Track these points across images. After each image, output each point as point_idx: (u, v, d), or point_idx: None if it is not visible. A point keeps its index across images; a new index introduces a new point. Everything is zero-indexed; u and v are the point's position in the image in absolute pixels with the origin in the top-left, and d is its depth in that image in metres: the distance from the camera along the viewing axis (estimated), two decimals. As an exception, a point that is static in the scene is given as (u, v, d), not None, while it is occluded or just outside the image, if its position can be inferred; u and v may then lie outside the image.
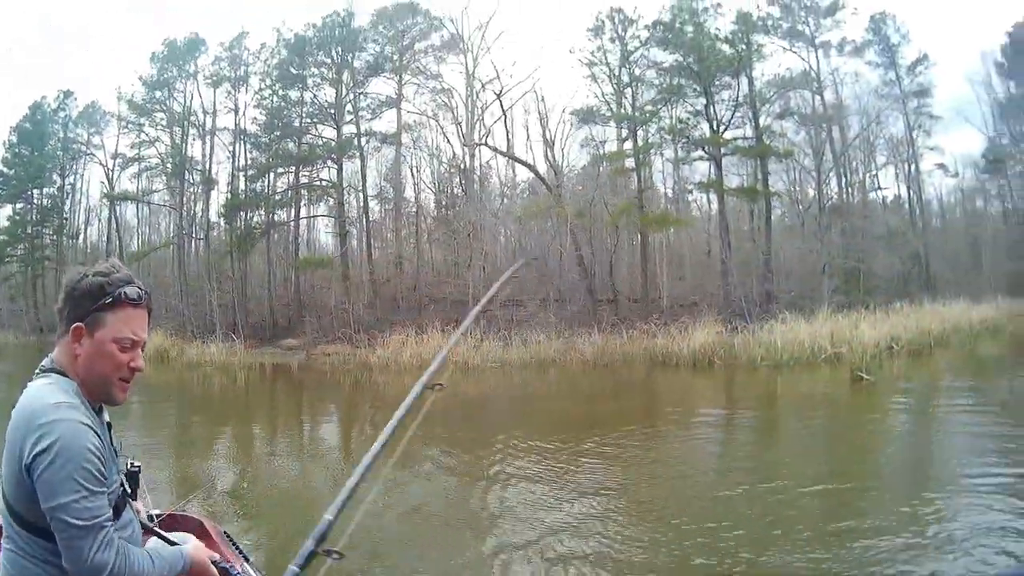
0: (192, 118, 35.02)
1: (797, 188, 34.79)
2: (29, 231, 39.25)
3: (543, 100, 32.91)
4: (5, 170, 39.15)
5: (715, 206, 32.63)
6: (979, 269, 34.35)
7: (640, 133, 31.90)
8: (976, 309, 26.40)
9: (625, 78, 31.83)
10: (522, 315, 26.34)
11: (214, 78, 34.70)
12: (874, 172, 36.98)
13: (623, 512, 7.31)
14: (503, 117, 32.60)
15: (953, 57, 69.89)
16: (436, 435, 10.62)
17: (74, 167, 39.37)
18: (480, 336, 23.31)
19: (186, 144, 35.14)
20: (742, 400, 16.26)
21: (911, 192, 38.15)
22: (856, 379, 16.15)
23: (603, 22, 32.00)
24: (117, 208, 38.91)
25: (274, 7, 70.68)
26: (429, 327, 24.79)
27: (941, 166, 39.29)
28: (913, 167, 37.45)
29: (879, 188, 37.60)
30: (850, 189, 35.53)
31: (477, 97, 32.69)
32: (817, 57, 34.13)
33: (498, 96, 32.04)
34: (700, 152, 31.97)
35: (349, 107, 33.67)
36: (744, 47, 31.13)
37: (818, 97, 33.97)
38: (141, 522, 2.31)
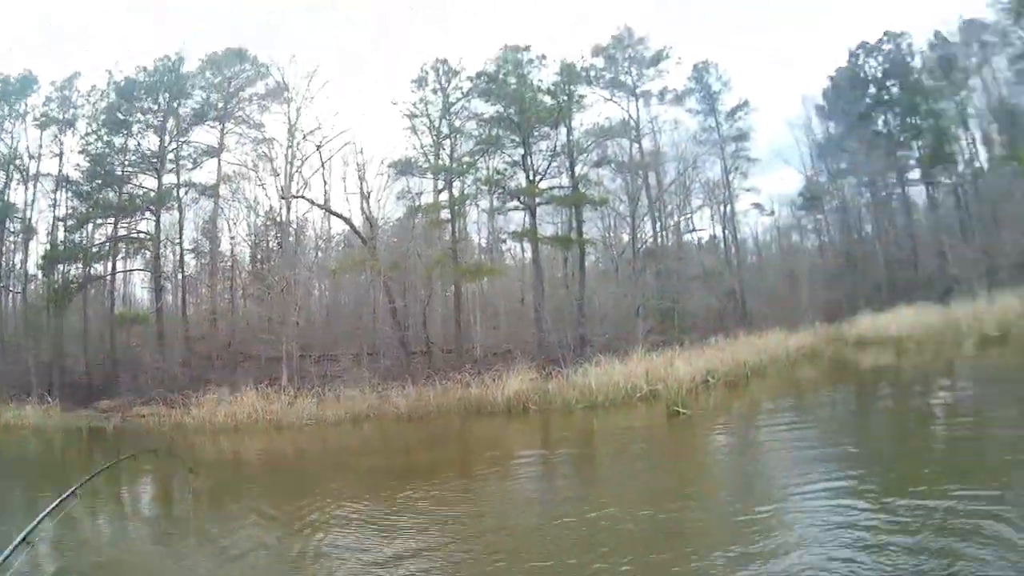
0: (17, 161, 32.81)
1: (612, 234, 35.96)
2: None
3: (362, 152, 32.14)
4: None
5: (529, 255, 33.16)
6: (796, 299, 35.75)
7: (456, 184, 32.07)
8: (793, 337, 27.46)
9: (445, 129, 31.93)
10: (336, 370, 25.69)
11: (43, 119, 32.74)
12: (689, 215, 38.57)
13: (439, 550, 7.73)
14: (321, 169, 32.20)
15: (773, 103, 75.63)
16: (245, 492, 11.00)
17: None
18: (294, 393, 22.88)
19: (8, 189, 32.93)
20: (558, 441, 16.46)
21: (726, 232, 40.11)
22: (672, 414, 16.40)
23: (427, 73, 32.24)
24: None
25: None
26: (243, 385, 23.80)
27: (757, 205, 41.94)
28: (729, 208, 39.52)
29: (694, 230, 39.35)
30: (665, 232, 36.69)
31: (297, 148, 32.19)
32: (637, 106, 35.74)
33: (318, 147, 31.56)
34: (515, 202, 32.32)
35: (171, 156, 32.42)
36: (565, 98, 31.82)
37: (636, 145, 35.28)
38: None
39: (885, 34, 42.48)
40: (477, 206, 34.36)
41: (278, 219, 33.58)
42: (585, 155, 32.64)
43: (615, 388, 19.94)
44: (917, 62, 41.95)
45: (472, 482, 11.52)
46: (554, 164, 31.80)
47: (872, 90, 42.64)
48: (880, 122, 42.27)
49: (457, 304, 30.44)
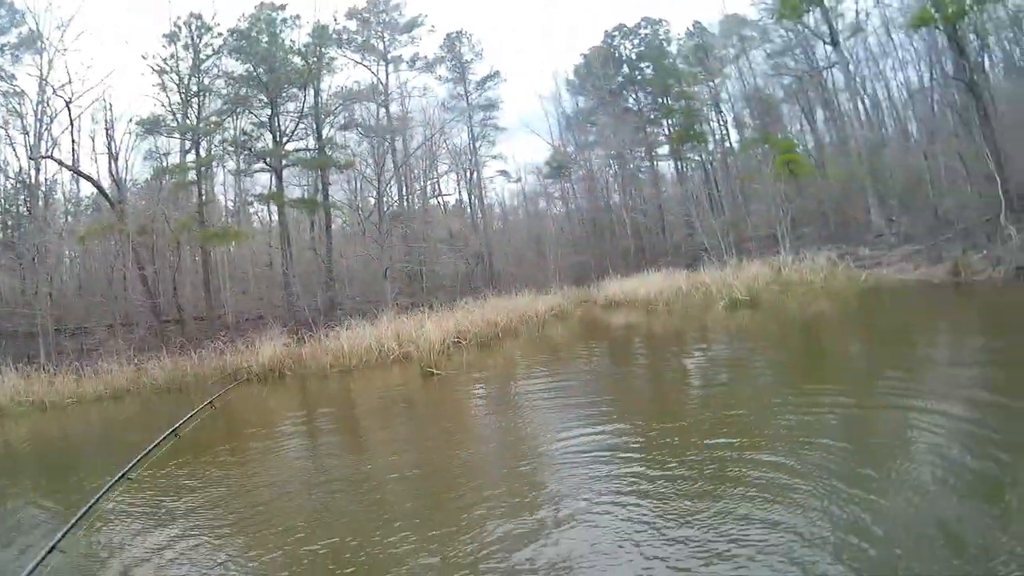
0: None
1: (358, 197, 37.68)
2: None
3: (111, 108, 32.00)
4: None
5: (276, 218, 34.31)
6: (544, 263, 39.19)
7: (204, 144, 32.30)
8: (543, 299, 30.34)
9: (194, 87, 32.10)
10: (91, 343, 25.57)
11: None
12: (435, 179, 42.32)
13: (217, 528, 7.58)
14: (71, 127, 31.17)
15: (526, 76, 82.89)
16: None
17: None
18: (52, 371, 22.43)
19: None
20: (319, 406, 16.76)
21: (473, 197, 44.40)
22: (427, 374, 17.31)
23: (180, 28, 32.19)
24: None
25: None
26: (1, 365, 22.59)
27: (503, 172, 47.13)
28: (475, 174, 43.72)
29: (440, 194, 43.29)
30: (411, 196, 39.51)
31: (48, 104, 31.08)
32: (387, 71, 38.52)
33: (68, 103, 30.63)
34: (262, 164, 33.37)
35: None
36: (316, 59, 33.22)
37: (384, 109, 37.90)
38: None
39: (643, 19, 48.02)
40: (224, 168, 35.15)
41: (28, 181, 32.55)
42: (332, 118, 34.35)
43: (368, 351, 20.92)
44: (673, 48, 47.82)
45: (239, 451, 11.55)
46: (301, 126, 33.26)
47: (625, 70, 47.86)
48: (631, 100, 47.76)
49: (206, 270, 30.71)
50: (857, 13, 37.42)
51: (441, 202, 45.10)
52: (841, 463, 7.14)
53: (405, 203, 38.53)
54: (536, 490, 7.58)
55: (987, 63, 33.34)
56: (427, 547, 6.31)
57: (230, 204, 37.27)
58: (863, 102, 40.81)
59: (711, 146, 47.17)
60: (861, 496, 6.13)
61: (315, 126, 33.16)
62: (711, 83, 45.58)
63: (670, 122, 47.96)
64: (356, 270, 32.97)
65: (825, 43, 37.40)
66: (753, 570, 5.17)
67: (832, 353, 15.25)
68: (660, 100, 47.90)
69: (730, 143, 46.81)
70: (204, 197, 31.91)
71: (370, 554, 6.32)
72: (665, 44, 48.64)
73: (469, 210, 45.08)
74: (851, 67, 38.75)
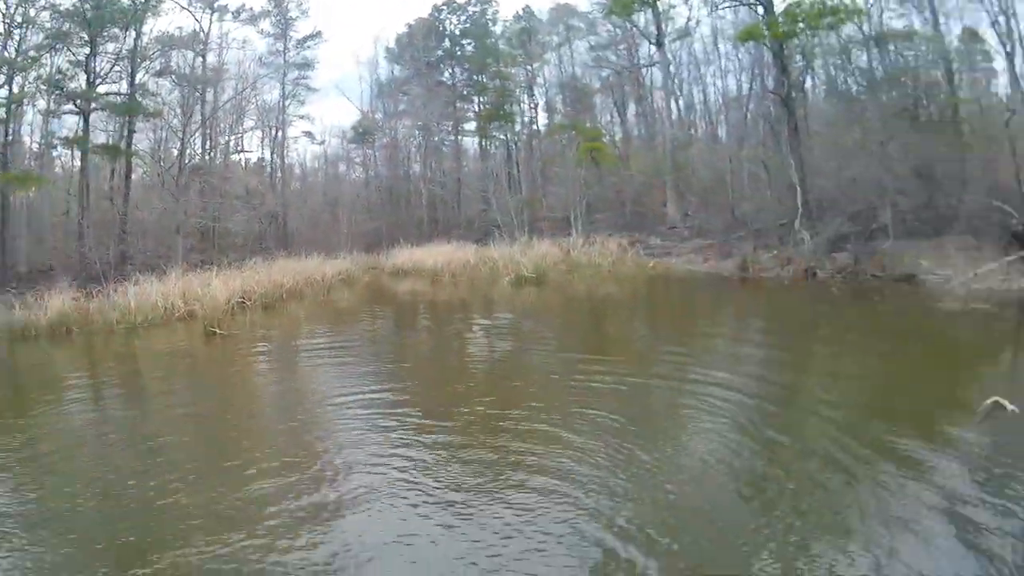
0: None
1: (162, 148, 38.91)
2: None
3: None
4: None
5: (78, 163, 34.62)
6: (338, 227, 42.32)
7: (18, 80, 32.15)
8: (332, 263, 32.82)
9: (19, 18, 31.55)
10: None
11: None
12: (240, 135, 44.32)
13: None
14: None
15: (349, 38, 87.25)
16: None
17: None
18: None
19: None
20: (101, 366, 16.60)
21: (275, 156, 46.70)
22: (210, 334, 17.91)
23: None
24: None
25: None
26: None
27: (309, 134, 50.01)
28: (280, 133, 46.09)
29: (243, 151, 45.22)
30: (215, 151, 41.30)
31: None
32: (211, 20, 39.93)
33: None
34: (71, 105, 33.59)
35: None
36: (143, 1, 34.07)
37: (201, 58, 39.28)
38: None
39: (474, -1, 50.72)
40: (34, 107, 34.89)
41: None
42: (148, 63, 35.26)
43: (154, 308, 21.10)
44: (499, 29, 51.74)
45: (24, 416, 11.09)
46: (116, 68, 33.81)
47: (447, 44, 51.44)
48: (447, 74, 51.51)
49: (3, 216, 30.82)
50: (688, 20, 41.06)
51: (243, 158, 46.73)
52: (599, 426, 8.43)
53: (208, 157, 39.97)
54: (310, 445, 8.32)
55: (809, 83, 36.86)
56: (200, 500, 6.73)
57: (35, 146, 37.32)
58: (677, 102, 45.29)
59: (518, 127, 51.06)
60: (626, 461, 7.23)
61: (130, 70, 33.82)
62: (529, 67, 49.65)
63: (481, 100, 51.95)
64: (151, 223, 33.76)
65: (651, 43, 41.12)
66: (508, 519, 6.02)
67: (605, 329, 17.55)
68: (475, 77, 51.46)
69: (537, 126, 51.05)
70: (11, 137, 32.06)
71: (142, 506, 6.71)
72: (491, 24, 52.23)
73: (269, 169, 46.91)
74: (672, 68, 43.09)
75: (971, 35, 33.16)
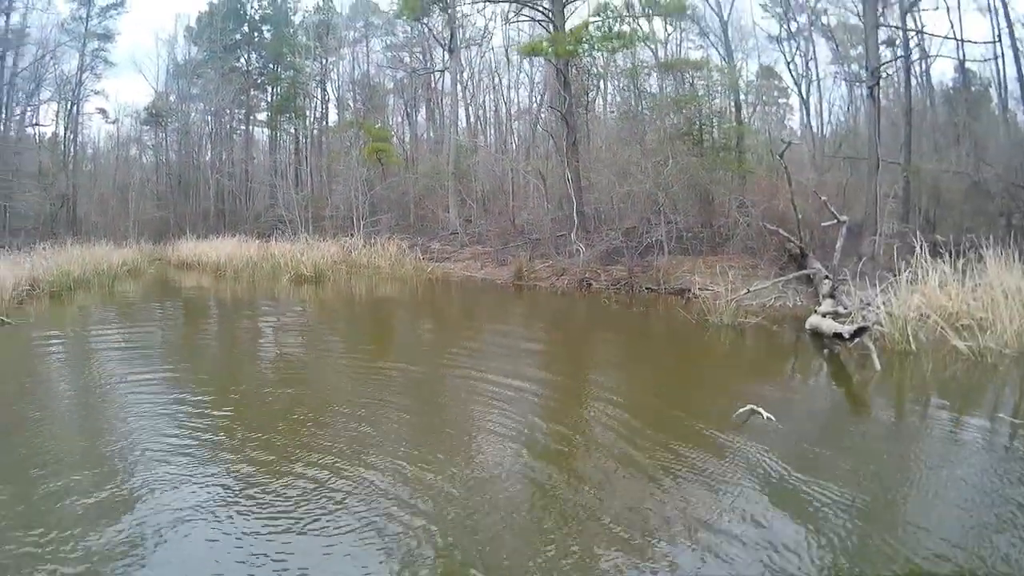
0: None
1: None
2: None
3: None
4: None
5: None
6: (126, 214, 43.53)
7: None
8: (119, 252, 33.76)
9: None
10: None
11: None
12: (36, 106, 43.65)
13: None
14: None
15: (152, 10, 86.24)
16: None
17: None
18: None
19: None
20: None
21: (68, 132, 46.48)
22: None
23: None
24: None
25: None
26: None
27: (102, 111, 50.29)
28: (76, 108, 45.94)
29: (38, 124, 44.48)
30: (9, 123, 40.88)
31: None
32: None
33: None
34: None
35: None
36: None
37: (3, 17, 38.76)
38: None
39: (273, -16, 51.67)
40: None
41: None
42: None
43: None
44: (298, 18, 53.70)
45: None
46: None
47: (246, 29, 52.94)
48: (243, 60, 53.09)
49: None
50: (484, 30, 44.49)
51: (37, 132, 45.93)
52: (385, 416, 9.35)
53: (1, 128, 39.59)
54: (98, 436, 8.61)
55: (599, 102, 40.07)
56: None
57: None
58: (467, 109, 48.10)
59: (309, 121, 52.88)
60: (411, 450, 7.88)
61: None
62: (324, 60, 51.76)
63: (275, 90, 53.53)
64: None
65: (443, 48, 43.58)
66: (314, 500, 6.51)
67: (372, 327, 18.82)
68: (271, 66, 53.03)
69: (327, 122, 53.11)
70: None
71: None
72: (291, 12, 54.08)
73: (63, 147, 46.43)
74: (465, 75, 46.07)
75: (767, 71, 38.71)
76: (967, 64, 28.56)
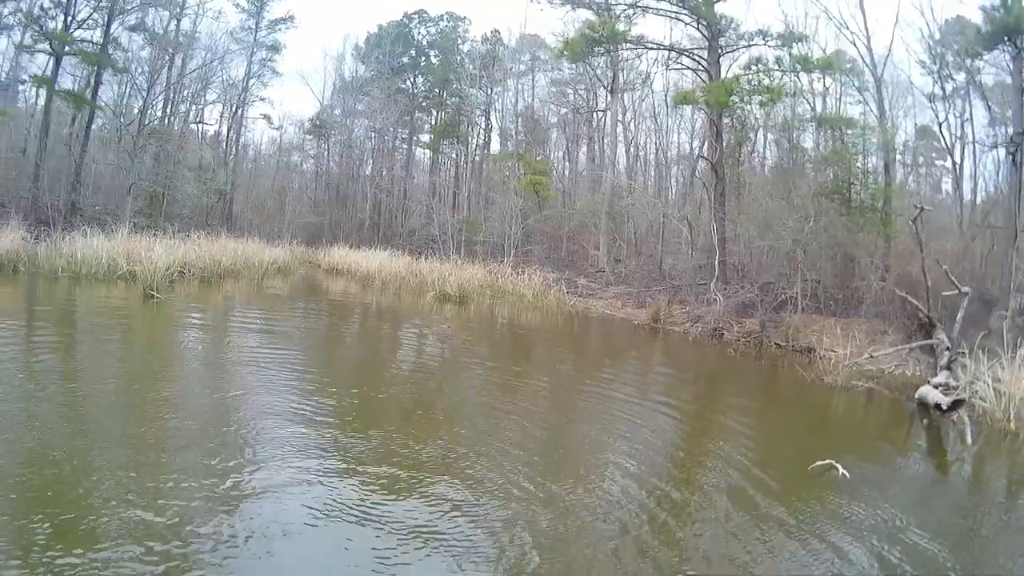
0: None
1: (124, 103, 40.61)
2: None
3: None
4: None
5: (42, 103, 35.25)
6: (282, 216, 45.01)
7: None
8: (271, 250, 34.67)
9: None
10: None
11: None
12: (202, 106, 46.61)
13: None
14: None
15: (318, 27, 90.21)
16: None
17: None
18: None
19: None
20: (39, 308, 17.99)
21: (232, 133, 48.70)
22: (148, 296, 19.29)
23: None
24: None
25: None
26: None
27: (267, 117, 52.45)
28: (241, 111, 48.25)
29: (202, 122, 47.47)
30: (175, 117, 43.10)
31: None
32: None
33: None
34: (47, 45, 34.02)
35: None
36: None
37: (176, 20, 41.19)
38: None
39: (447, 13, 54.60)
40: (9, 37, 35.81)
41: None
42: (124, 16, 36.55)
43: (98, 262, 22.72)
44: (466, 47, 54.58)
45: None
46: (94, 16, 34.62)
47: (413, 53, 54.30)
48: (409, 82, 54.26)
49: None
50: (647, 73, 43.84)
51: (200, 130, 48.65)
52: (526, 435, 9.81)
53: (167, 122, 41.46)
54: (231, 439, 8.29)
55: (754, 153, 38.72)
56: (113, 461, 6.99)
57: (2, 76, 38.07)
58: (628, 150, 47.64)
59: (472, 147, 53.67)
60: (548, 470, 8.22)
61: (107, 19, 34.87)
62: (489, 90, 52.17)
63: (439, 114, 54.67)
64: (103, 177, 35.54)
65: (605, 88, 43.50)
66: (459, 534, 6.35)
67: (508, 350, 19.42)
68: (436, 91, 54.13)
69: (489, 150, 53.44)
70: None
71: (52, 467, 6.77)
72: (460, 42, 55.21)
73: (224, 145, 48.83)
74: (626, 116, 45.85)
75: (924, 131, 36.01)
76: None
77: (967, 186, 33.67)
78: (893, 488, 9.26)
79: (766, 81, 29.34)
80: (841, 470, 8.95)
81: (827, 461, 9.16)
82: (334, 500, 6.75)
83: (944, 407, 12.78)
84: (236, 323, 18.81)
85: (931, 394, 13.59)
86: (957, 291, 17.46)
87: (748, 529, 7.10)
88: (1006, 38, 23.30)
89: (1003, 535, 8.00)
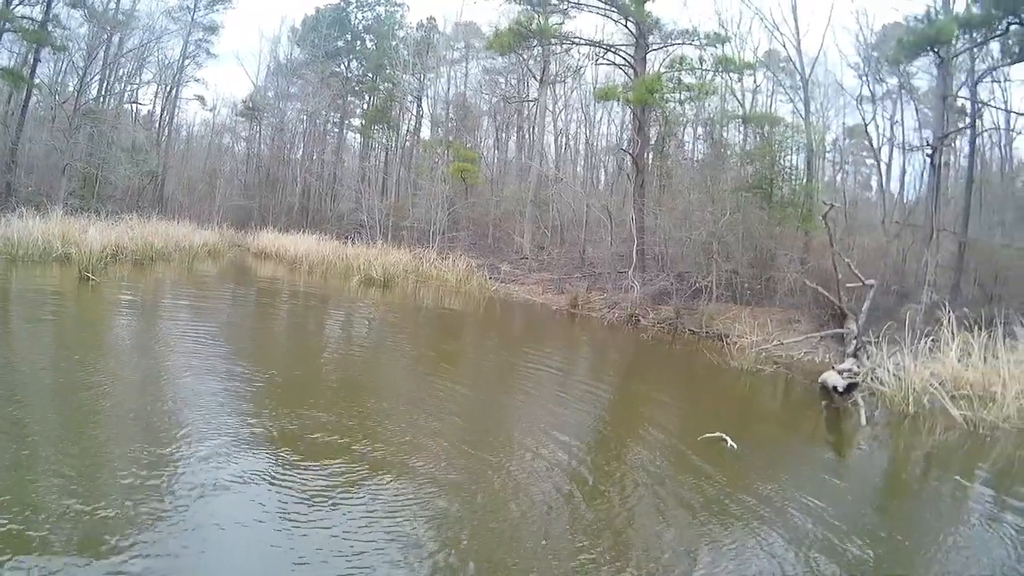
0: None
1: (59, 80, 40.44)
2: None
3: None
4: None
5: None
6: (212, 199, 45.86)
7: None
8: (201, 233, 35.60)
9: None
10: None
11: None
12: (137, 86, 46.58)
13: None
14: None
15: (257, 8, 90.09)
16: None
17: None
18: None
19: None
20: None
21: (165, 114, 49.16)
22: (84, 279, 19.81)
23: None
24: None
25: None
26: None
27: (200, 98, 52.96)
28: (175, 92, 48.57)
29: (136, 102, 47.58)
30: (110, 97, 43.31)
31: None
32: None
33: None
34: None
35: None
36: None
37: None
38: None
39: (384, -3, 53.94)
40: None
41: None
42: None
43: (34, 244, 23.25)
44: (401, 32, 55.17)
45: None
46: None
47: (349, 37, 54.73)
48: (343, 67, 54.85)
49: None
50: (577, 67, 44.59)
51: (135, 110, 48.73)
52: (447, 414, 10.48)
53: (102, 101, 41.63)
54: (148, 398, 9.19)
55: (685, 149, 38.59)
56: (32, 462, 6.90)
57: None
58: (556, 140, 49.11)
59: (401, 133, 54.24)
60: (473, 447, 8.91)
61: None
62: (422, 76, 52.72)
63: (371, 99, 55.27)
64: (37, 158, 35.50)
65: (536, 79, 44.53)
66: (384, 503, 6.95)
67: (428, 333, 20.27)
68: (370, 76, 54.71)
69: (419, 137, 54.12)
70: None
71: None
72: (396, 27, 55.56)
73: (157, 126, 49.11)
74: (556, 106, 47.31)
75: (853, 131, 38.09)
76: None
77: (895, 185, 36.01)
78: (777, 458, 10.60)
79: (688, 80, 31.05)
80: (730, 442, 9.91)
81: (717, 434, 10.11)
82: (256, 471, 7.25)
83: (840, 389, 14.09)
84: (169, 305, 19.57)
85: (831, 377, 14.79)
86: (861, 283, 18.75)
87: (639, 492, 8.09)
88: (929, 48, 24.77)
89: (870, 500, 9.14)
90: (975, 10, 23.82)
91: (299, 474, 7.40)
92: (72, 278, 20.37)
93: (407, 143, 54.21)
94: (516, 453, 9.18)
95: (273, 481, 7.14)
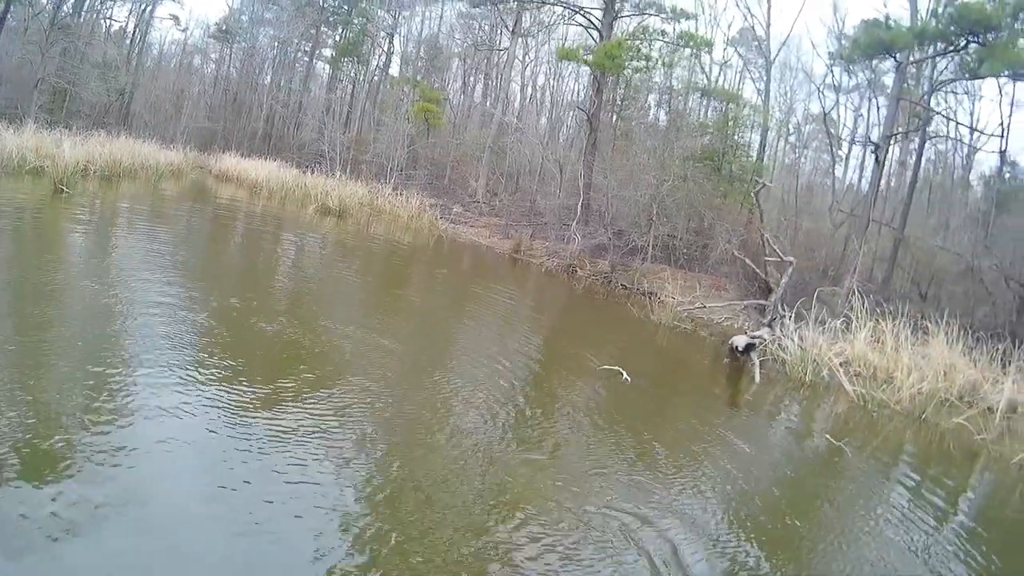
0: None
1: None
2: None
3: None
4: None
5: None
6: (178, 119, 45.94)
7: None
8: (166, 153, 36.41)
9: None
10: None
11: None
12: (113, 2, 46.34)
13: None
14: None
15: None
16: None
17: None
18: None
19: None
20: None
21: (138, 31, 49.36)
22: (58, 191, 20.70)
23: None
24: None
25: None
26: None
27: (175, 17, 53.04)
28: (149, 9, 48.95)
29: (110, 18, 47.19)
30: (84, 12, 43.15)
31: None
32: None
33: None
34: None
35: None
36: None
37: None
38: None
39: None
40: None
41: None
42: None
43: (8, 157, 23.13)
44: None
45: None
46: None
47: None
48: (319, -2, 53.62)
49: None
50: (549, 23, 45.72)
51: (108, 25, 48.34)
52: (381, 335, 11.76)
53: (78, 16, 41.62)
54: (100, 319, 9.31)
55: (648, 114, 40.86)
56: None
57: None
58: (522, 91, 50.79)
59: (370, 67, 55.05)
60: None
61: None
62: (396, 13, 53.28)
63: (344, 32, 55.16)
64: (8, 70, 35.30)
65: (508, 29, 45.40)
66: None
67: (376, 264, 21.84)
68: (345, 8, 54.30)
69: (387, 73, 54.85)
70: None
71: None
72: None
73: (129, 44, 49.17)
74: (526, 58, 48.57)
75: (815, 118, 37.93)
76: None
77: (853, 176, 37.66)
78: (665, 394, 12.31)
79: (646, 50, 32.47)
80: (625, 375, 11.32)
81: (616, 367, 11.50)
82: (201, 387, 7.52)
83: (740, 348, 15.54)
84: (135, 218, 21.18)
85: (737, 339, 16.12)
86: (780, 259, 19.87)
87: (544, 410, 9.62)
88: (886, 52, 26.39)
89: (730, 433, 10.39)
90: (933, 24, 25.44)
91: (247, 390, 7.79)
92: (45, 189, 21.17)
93: (375, 78, 54.86)
94: (446, 365, 11.08)
95: (220, 397, 7.44)
